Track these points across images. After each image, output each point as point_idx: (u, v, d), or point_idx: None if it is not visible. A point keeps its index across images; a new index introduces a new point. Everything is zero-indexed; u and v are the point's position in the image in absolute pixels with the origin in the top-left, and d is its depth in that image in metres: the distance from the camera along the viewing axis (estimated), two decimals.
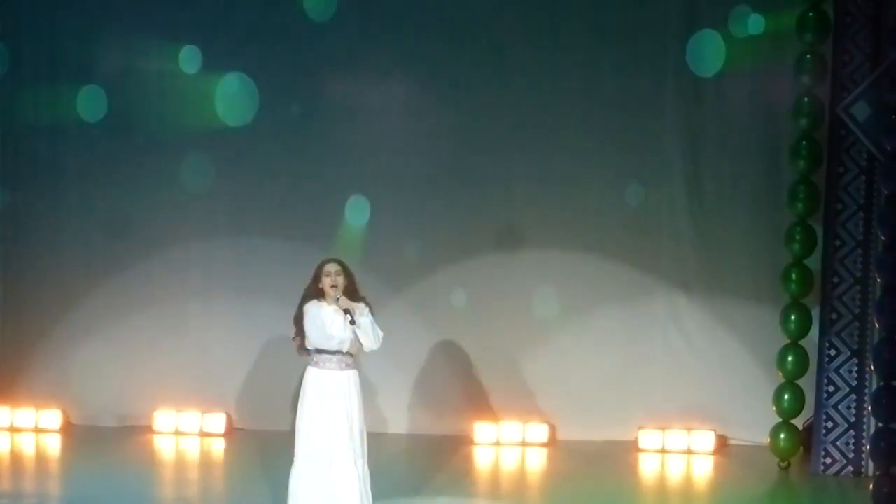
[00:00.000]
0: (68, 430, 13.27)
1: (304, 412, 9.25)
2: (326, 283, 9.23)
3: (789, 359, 12.26)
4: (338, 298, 9.18)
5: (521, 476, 12.29)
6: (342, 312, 9.15)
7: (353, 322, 9.12)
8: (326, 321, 9.17)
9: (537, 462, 12.63)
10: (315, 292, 9.27)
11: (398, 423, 13.24)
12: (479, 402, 13.20)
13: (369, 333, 9.20)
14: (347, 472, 9.18)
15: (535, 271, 13.18)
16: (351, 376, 9.28)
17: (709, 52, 12.81)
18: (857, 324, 12.02)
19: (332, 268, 9.27)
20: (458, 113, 13.14)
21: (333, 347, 9.20)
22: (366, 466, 9.31)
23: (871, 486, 10.59)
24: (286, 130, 13.23)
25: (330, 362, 9.23)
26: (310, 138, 13.24)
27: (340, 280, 9.23)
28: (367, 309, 9.25)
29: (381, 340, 9.27)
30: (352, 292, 9.25)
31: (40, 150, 13.43)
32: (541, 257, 13.20)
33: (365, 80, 13.17)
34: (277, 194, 13.27)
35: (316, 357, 9.26)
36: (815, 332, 12.26)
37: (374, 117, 13.20)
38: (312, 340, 9.23)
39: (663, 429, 12.95)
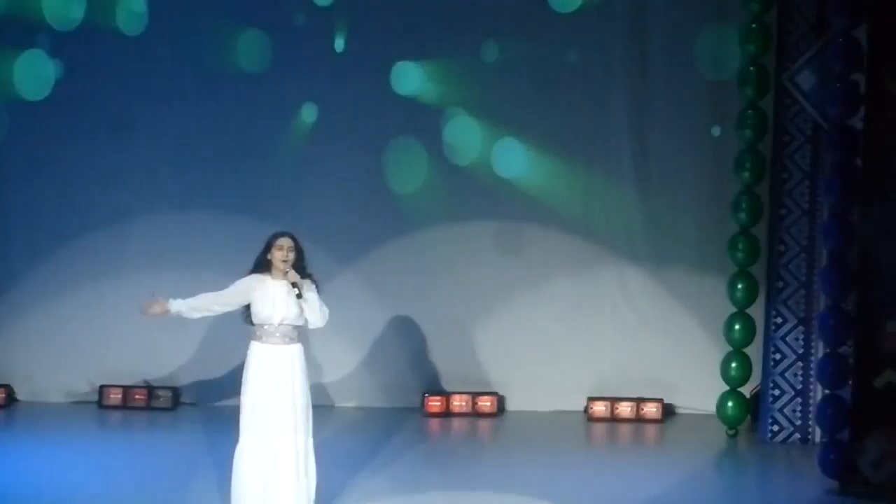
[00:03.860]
0: (14, 406, 13.17)
1: (248, 387, 9.21)
2: (277, 256, 9.19)
3: (736, 327, 12.33)
4: (286, 272, 9.15)
5: (471, 447, 12.30)
6: (289, 286, 9.13)
7: (300, 296, 9.10)
8: (269, 295, 9.14)
9: (487, 433, 12.65)
10: (263, 263, 9.24)
11: (346, 396, 13.22)
12: (428, 373, 13.21)
13: (315, 309, 9.17)
14: (288, 447, 9.15)
15: (482, 243, 13.19)
16: (295, 350, 9.23)
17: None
18: (802, 292, 12.10)
19: (284, 242, 9.22)
20: (406, 83, 13.09)
21: (277, 321, 9.17)
22: (309, 440, 9.27)
23: (818, 452, 10.71)
24: (235, 103, 13.14)
25: (273, 336, 9.19)
26: (259, 111, 13.16)
27: (292, 256, 9.19)
28: (315, 285, 9.23)
29: (326, 317, 9.25)
30: (301, 268, 9.21)
31: None
32: (488, 229, 13.20)
33: (311, 54, 13.13)
34: (225, 168, 13.19)
35: (259, 331, 9.22)
36: (761, 300, 12.34)
37: (321, 92, 13.14)
38: (257, 315, 9.19)
39: (612, 398, 13.00)
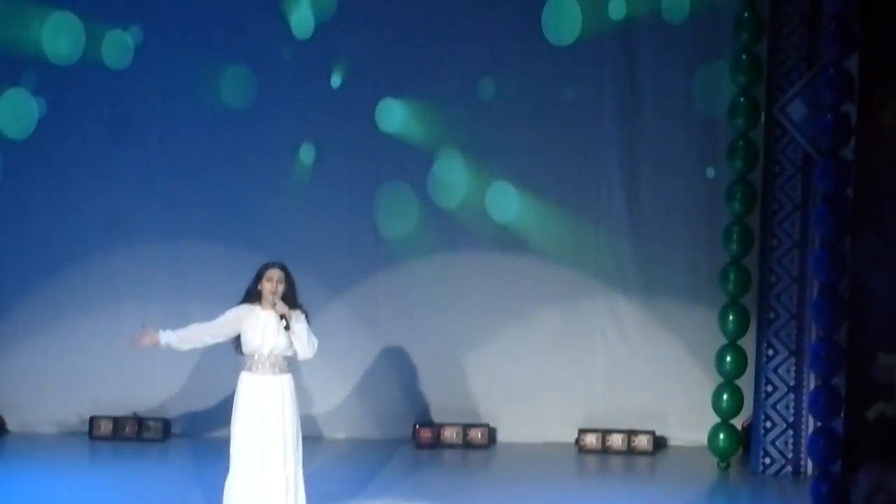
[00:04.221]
0: (4, 437, 13.11)
1: (238, 417, 9.21)
2: (267, 287, 9.20)
3: (728, 359, 12.31)
4: (275, 304, 9.14)
5: (461, 478, 12.26)
6: (277, 317, 9.12)
7: (287, 327, 9.09)
8: (259, 326, 9.12)
9: (478, 464, 12.61)
10: (253, 294, 9.23)
11: (336, 427, 13.17)
12: (418, 404, 13.17)
13: (304, 340, 9.17)
14: (278, 477, 9.13)
15: (472, 274, 13.17)
16: (285, 381, 9.24)
17: None
18: (794, 323, 12.08)
19: (274, 273, 9.24)
20: (391, 121, 13.08)
21: (267, 352, 9.15)
22: (299, 471, 9.25)
23: (810, 485, 10.67)
24: (224, 137, 13.13)
25: (263, 367, 9.19)
26: (247, 145, 13.14)
27: (281, 287, 9.20)
28: (304, 316, 9.22)
29: (315, 349, 9.25)
30: (291, 299, 9.21)
31: None
32: (480, 259, 13.18)
33: (301, 80, 13.12)
34: (216, 200, 13.17)
35: (249, 362, 9.22)
36: (753, 331, 12.32)
37: (311, 119, 13.14)
38: (247, 345, 9.18)
39: (603, 430, 12.96)
